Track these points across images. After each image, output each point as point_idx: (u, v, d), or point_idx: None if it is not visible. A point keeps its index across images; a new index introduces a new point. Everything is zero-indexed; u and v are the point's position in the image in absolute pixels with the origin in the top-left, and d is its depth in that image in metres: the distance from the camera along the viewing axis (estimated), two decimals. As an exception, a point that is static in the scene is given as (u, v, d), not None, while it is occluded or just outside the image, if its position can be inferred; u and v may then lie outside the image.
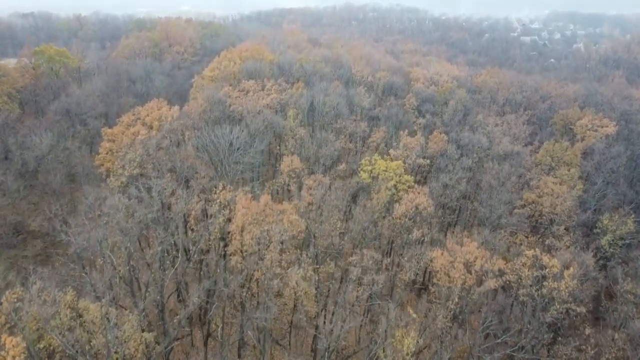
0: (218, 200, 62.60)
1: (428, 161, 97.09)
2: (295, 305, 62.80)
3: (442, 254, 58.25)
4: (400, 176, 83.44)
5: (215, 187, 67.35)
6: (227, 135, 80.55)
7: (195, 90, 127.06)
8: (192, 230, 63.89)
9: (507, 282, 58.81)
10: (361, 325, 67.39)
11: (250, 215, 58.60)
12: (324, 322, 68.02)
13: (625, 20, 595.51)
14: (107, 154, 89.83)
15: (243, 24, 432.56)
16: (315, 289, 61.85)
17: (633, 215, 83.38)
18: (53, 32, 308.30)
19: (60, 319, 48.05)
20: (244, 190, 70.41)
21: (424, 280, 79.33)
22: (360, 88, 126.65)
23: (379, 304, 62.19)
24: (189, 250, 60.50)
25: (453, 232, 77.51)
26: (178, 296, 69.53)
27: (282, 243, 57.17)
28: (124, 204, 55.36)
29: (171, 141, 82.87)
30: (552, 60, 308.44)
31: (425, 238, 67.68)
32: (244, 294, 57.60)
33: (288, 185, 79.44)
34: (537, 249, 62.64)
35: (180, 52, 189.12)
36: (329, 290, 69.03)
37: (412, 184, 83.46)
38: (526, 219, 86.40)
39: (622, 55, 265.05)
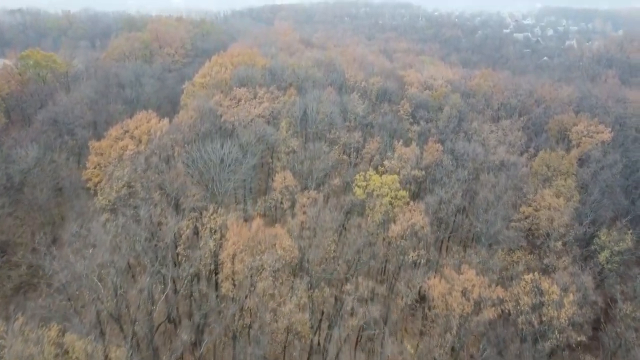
0: (209, 225, 60.80)
1: (423, 172, 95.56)
2: (288, 332, 61.23)
3: (439, 281, 56.80)
4: (395, 191, 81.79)
5: (206, 209, 65.59)
6: (217, 150, 78.48)
7: (186, 97, 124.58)
8: (182, 255, 62.12)
9: (506, 310, 57.43)
10: (355, 352, 65.99)
11: (242, 243, 56.85)
12: (318, 344, 66.73)
13: (617, 15, 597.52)
14: (94, 168, 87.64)
15: (235, 20, 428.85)
16: (310, 315, 60.31)
17: (631, 231, 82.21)
18: (42, 31, 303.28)
19: (45, 357, 46.26)
20: (236, 211, 68.80)
21: (419, 299, 77.90)
22: (353, 94, 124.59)
23: (374, 332, 60.65)
24: (179, 277, 58.72)
25: (449, 251, 75.93)
26: (169, 321, 67.70)
27: (274, 272, 55.41)
28: (110, 234, 53.29)
29: (160, 157, 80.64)
30: (546, 58, 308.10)
31: (422, 260, 66.12)
32: (236, 323, 55.91)
33: (281, 202, 77.59)
34: (535, 273, 61.55)
35: (171, 53, 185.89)
36: (322, 314, 67.55)
37: (408, 199, 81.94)
38: (523, 233, 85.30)
39: (615, 54, 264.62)
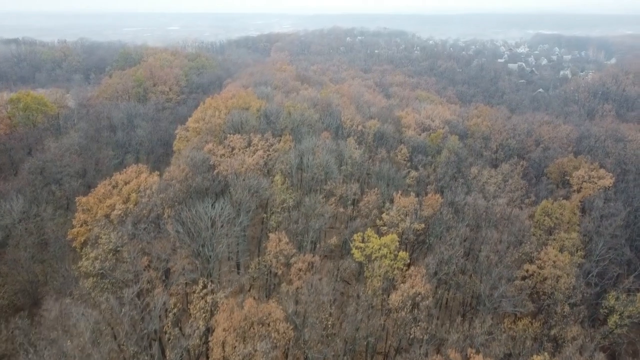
0: (198, 305, 57.16)
1: (423, 225, 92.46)
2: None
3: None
4: (395, 251, 78.39)
5: (196, 283, 62.11)
6: (209, 211, 75.04)
7: (178, 142, 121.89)
8: (170, 334, 58.24)
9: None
10: None
11: (234, 327, 53.18)
12: None
13: (609, 43, 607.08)
14: (81, 226, 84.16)
15: (231, 50, 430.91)
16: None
17: (640, 294, 78.91)
18: (37, 63, 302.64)
19: None
20: (227, 283, 65.29)
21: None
22: (350, 139, 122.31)
23: None
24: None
25: (452, 321, 72.12)
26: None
27: (268, 360, 51.61)
28: (91, 323, 49.44)
29: (149, 218, 77.33)
30: (541, 90, 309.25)
31: (425, 337, 62.45)
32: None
33: (275, 268, 73.88)
34: (545, 353, 57.97)
35: (165, 91, 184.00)
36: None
37: (408, 260, 78.66)
38: (528, 291, 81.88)
39: (611, 86, 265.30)
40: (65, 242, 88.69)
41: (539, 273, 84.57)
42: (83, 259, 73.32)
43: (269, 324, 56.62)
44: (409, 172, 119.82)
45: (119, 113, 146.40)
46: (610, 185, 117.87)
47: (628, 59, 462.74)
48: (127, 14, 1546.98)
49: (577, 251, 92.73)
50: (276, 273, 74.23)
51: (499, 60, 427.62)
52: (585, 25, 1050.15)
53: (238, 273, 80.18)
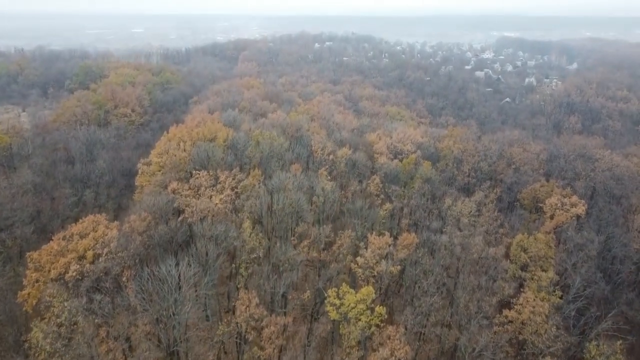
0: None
1: (399, 267, 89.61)
2: None
3: None
4: (372, 305, 74.95)
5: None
6: (172, 270, 69.79)
7: (141, 178, 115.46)
8: None
9: None
10: None
11: None
12: None
13: (570, 47, 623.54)
14: (32, 286, 77.57)
15: (198, 58, 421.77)
16: None
17: (620, 342, 77.61)
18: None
19: None
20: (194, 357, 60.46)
21: None
22: (321, 171, 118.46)
23: None
24: None
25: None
26: None
27: None
28: None
29: (107, 280, 71.59)
30: (508, 99, 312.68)
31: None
32: None
33: (245, 331, 69.28)
34: None
35: (127, 113, 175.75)
36: None
37: (385, 315, 75.28)
38: (507, 340, 79.70)
39: (575, 97, 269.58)
40: (15, 305, 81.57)
41: (518, 318, 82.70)
42: (34, 330, 67.44)
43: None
44: (382, 202, 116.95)
45: (77, 142, 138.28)
46: (583, 212, 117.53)
47: (589, 63, 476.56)
48: (88, 16, 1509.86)
49: (554, 290, 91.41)
50: (246, 337, 69.65)
51: (466, 67, 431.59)
52: (546, 27, 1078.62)
53: (208, 321, 75.15)
